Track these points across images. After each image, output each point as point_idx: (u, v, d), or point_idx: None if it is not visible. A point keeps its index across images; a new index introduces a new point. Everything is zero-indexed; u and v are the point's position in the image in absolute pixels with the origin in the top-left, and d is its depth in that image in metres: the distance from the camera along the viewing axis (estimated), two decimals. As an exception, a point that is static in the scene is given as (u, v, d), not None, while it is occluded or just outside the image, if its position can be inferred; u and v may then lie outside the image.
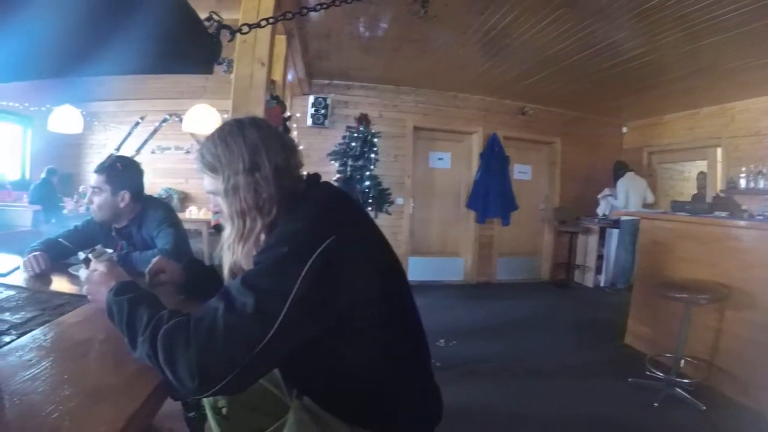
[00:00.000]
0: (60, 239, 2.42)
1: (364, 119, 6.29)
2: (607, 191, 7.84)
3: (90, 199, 2.40)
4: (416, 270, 7.35)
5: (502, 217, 7.86)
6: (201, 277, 1.81)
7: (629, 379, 3.65)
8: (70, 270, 2.11)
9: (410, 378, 1.27)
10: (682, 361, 3.51)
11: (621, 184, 7.45)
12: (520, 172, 8.46)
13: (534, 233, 8.67)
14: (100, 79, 7.54)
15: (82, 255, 1.87)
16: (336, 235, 1.07)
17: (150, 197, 2.62)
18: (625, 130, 9.18)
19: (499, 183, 7.75)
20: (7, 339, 1.28)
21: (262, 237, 1.23)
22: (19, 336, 1.31)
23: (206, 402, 1.64)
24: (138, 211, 2.46)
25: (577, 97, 7.47)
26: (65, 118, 7.00)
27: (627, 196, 7.30)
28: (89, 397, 0.98)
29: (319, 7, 2.41)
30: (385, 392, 1.21)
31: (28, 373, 1.06)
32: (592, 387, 3.65)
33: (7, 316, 1.49)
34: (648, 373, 3.58)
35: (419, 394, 1.28)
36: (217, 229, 5.13)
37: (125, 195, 2.37)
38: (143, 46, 1.91)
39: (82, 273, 1.66)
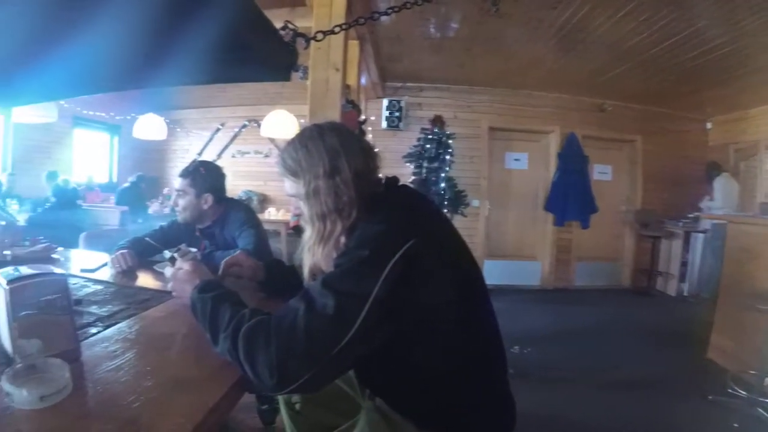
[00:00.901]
0: (147, 238, 2.56)
1: (438, 120, 6.20)
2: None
3: (175, 201, 2.54)
4: (492, 273, 7.08)
5: (582, 219, 7.57)
6: (281, 276, 1.85)
7: (709, 397, 3.40)
8: (156, 267, 2.24)
9: (485, 384, 1.24)
10: (767, 379, 3.25)
11: (717, 183, 6.95)
12: (599, 172, 8.06)
13: (614, 237, 8.20)
14: (182, 88, 7.97)
15: (167, 254, 1.99)
16: (416, 238, 1.07)
17: (232, 199, 2.74)
18: (709, 126, 8.39)
19: (578, 184, 7.49)
20: (93, 330, 1.37)
21: (342, 240, 1.24)
22: (106, 328, 1.40)
23: (280, 397, 1.69)
24: (220, 213, 2.57)
25: (658, 91, 7.04)
26: (149, 126, 7.50)
27: (724, 198, 6.83)
28: (170, 388, 1.03)
29: (390, 10, 2.42)
30: (458, 398, 1.19)
31: (112, 363, 1.13)
32: (669, 402, 3.45)
33: (94, 309, 1.58)
34: (730, 390, 3.35)
35: (493, 402, 1.25)
36: (296, 230, 5.23)
37: (208, 198, 2.49)
38: (224, 56, 2.00)
39: (168, 270, 1.76)
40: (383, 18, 2.49)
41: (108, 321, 1.47)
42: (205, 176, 2.52)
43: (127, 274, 2.19)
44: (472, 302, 1.23)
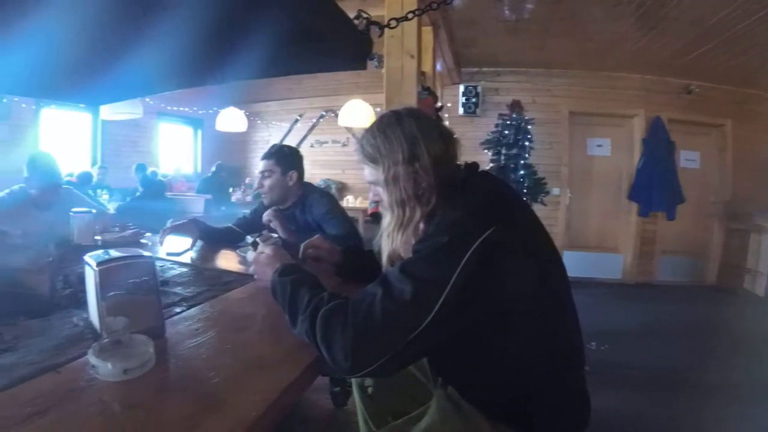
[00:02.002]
0: (232, 226, 2.75)
1: (516, 106, 6.02)
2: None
3: (260, 183, 2.64)
4: (571, 265, 6.43)
5: (667, 210, 7.11)
6: (358, 260, 1.87)
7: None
8: (239, 252, 2.32)
9: (561, 380, 1.19)
10: None
11: None
12: (686, 159, 7.42)
13: (701, 230, 7.53)
14: (260, 81, 8.21)
15: (250, 239, 2.08)
16: (497, 226, 1.04)
17: (309, 183, 2.82)
18: (807, 108, 7.46)
19: (663, 172, 7.02)
20: (178, 310, 1.44)
21: (421, 226, 1.23)
22: (189, 308, 1.46)
23: (353, 379, 1.72)
24: (300, 195, 2.67)
25: (749, 71, 6.38)
26: (230, 119, 7.86)
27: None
28: (248, 367, 1.06)
29: (463, -6, 2.39)
30: (533, 392, 1.15)
31: (194, 340, 1.18)
32: (751, 410, 3.20)
33: (179, 290, 1.66)
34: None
35: (568, 398, 1.21)
36: (374, 217, 5.24)
37: (293, 174, 2.61)
38: (300, 48, 2.04)
39: (250, 255, 1.86)
40: (456, 2, 2.46)
41: (192, 301, 1.54)
42: (289, 155, 2.65)
43: (210, 258, 2.31)
44: (553, 293, 1.19)
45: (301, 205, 2.65)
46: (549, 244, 1.23)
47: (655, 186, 7.02)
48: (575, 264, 6.83)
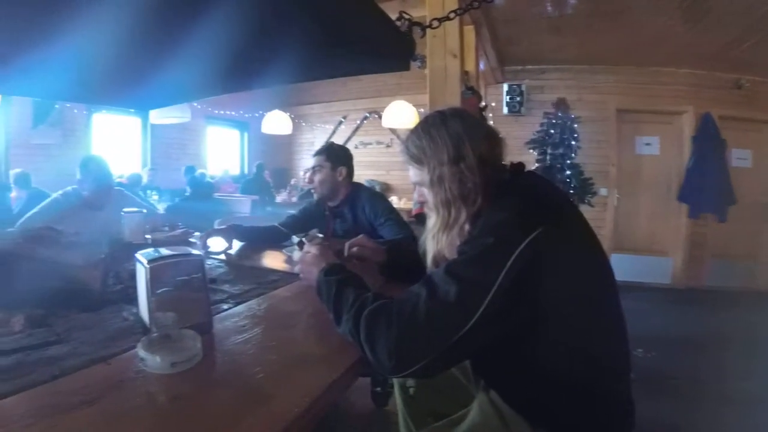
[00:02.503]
0: (278, 225, 2.79)
1: (562, 104, 5.90)
2: None
3: (310, 178, 2.72)
4: (619, 268, 6.15)
5: (718, 212, 6.76)
6: (402, 259, 1.86)
7: None
8: (285, 251, 2.38)
9: (607, 386, 1.16)
10: None
11: None
12: (738, 158, 6.96)
13: (753, 233, 7.01)
14: (304, 84, 8.37)
15: (295, 239, 2.16)
16: (543, 227, 1.02)
17: (360, 183, 2.87)
18: None
19: (714, 171, 6.65)
20: (225, 306, 1.48)
21: (467, 227, 1.22)
22: (236, 305, 1.50)
23: (395, 380, 1.71)
24: (349, 193, 2.71)
25: None
26: (276, 122, 8.02)
27: None
28: (292, 363, 1.08)
29: (504, -9, 2.37)
30: (577, 397, 1.12)
31: (240, 336, 1.21)
32: None
33: (226, 287, 1.71)
34: None
35: (613, 406, 1.17)
36: (418, 218, 5.21)
37: (342, 170, 2.67)
38: (344, 50, 2.07)
39: (296, 254, 1.98)
40: (497, 0, 2.43)
41: (238, 298, 1.57)
42: (338, 151, 2.73)
43: (257, 257, 2.35)
44: (601, 297, 1.16)
45: (351, 202, 2.69)
46: (596, 247, 1.20)
47: (705, 186, 6.68)
48: (623, 267, 6.44)
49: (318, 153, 2.73)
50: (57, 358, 1.04)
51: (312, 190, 2.77)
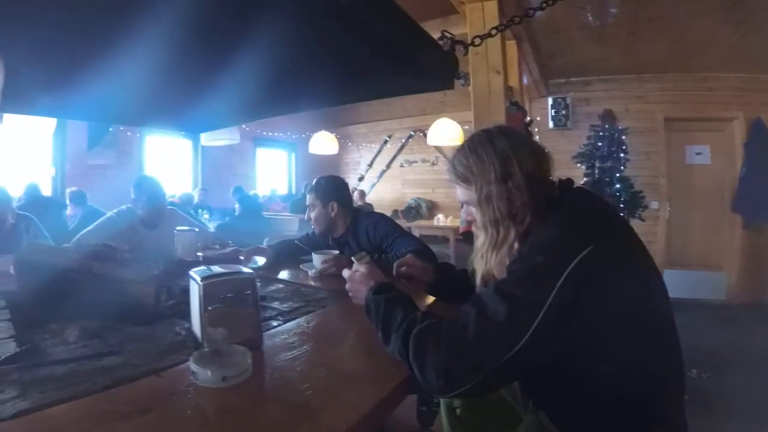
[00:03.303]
0: (296, 241, 2.86)
1: (608, 116, 5.79)
2: None
3: (308, 216, 2.72)
4: (671, 285, 5.78)
5: None
6: (451, 279, 1.84)
7: None
8: (302, 267, 2.42)
9: (660, 409, 1.11)
10: None
11: None
12: None
13: None
14: (350, 105, 8.43)
15: (315, 256, 2.27)
16: (594, 245, 1.00)
17: (359, 210, 2.84)
18: None
19: None
20: (275, 324, 1.51)
21: (516, 246, 1.20)
22: (285, 322, 1.53)
23: (442, 400, 1.68)
24: (350, 223, 2.68)
25: None
26: (322, 142, 8.21)
27: None
28: (341, 381, 1.09)
29: (544, 4, 2.34)
30: (630, 420, 1.08)
31: (289, 353, 1.22)
32: None
33: (276, 304, 1.74)
34: None
35: (666, 429, 1.11)
36: (465, 236, 5.15)
37: (334, 205, 2.62)
38: (389, 72, 2.10)
39: (312, 271, 2.21)
40: (537, 13, 2.42)
41: (288, 316, 1.60)
42: (326, 187, 2.67)
43: (306, 275, 2.37)
44: (653, 316, 1.12)
45: (353, 231, 2.66)
46: (649, 263, 1.17)
47: (760, 195, 6.33)
48: (676, 283, 6.07)
49: (309, 191, 2.74)
50: (110, 369, 1.09)
51: (312, 227, 2.76)
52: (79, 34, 1.53)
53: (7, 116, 5.34)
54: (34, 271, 1.55)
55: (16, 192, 4.78)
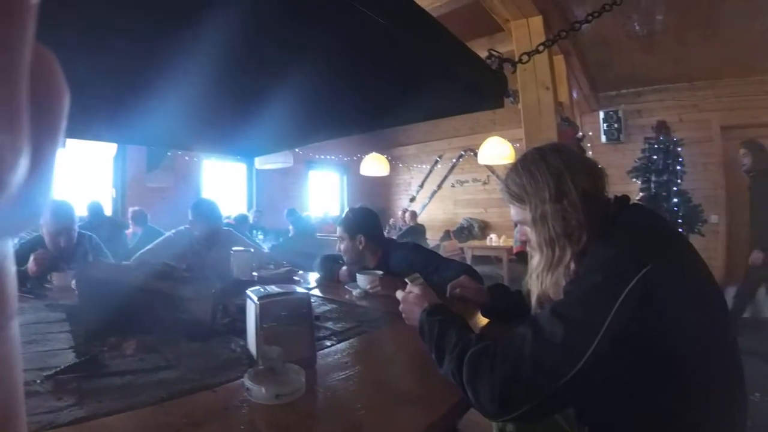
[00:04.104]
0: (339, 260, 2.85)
1: (662, 127, 5.60)
2: None
3: (338, 248, 2.73)
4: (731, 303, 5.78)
5: None
6: (505, 300, 1.83)
7: None
8: (347, 287, 2.42)
9: None
10: None
11: None
12: None
13: None
14: (400, 127, 8.51)
15: (360, 276, 2.30)
16: (653, 263, 0.97)
17: (391, 240, 2.85)
18: None
19: None
20: (328, 343, 1.52)
21: (572, 266, 1.18)
22: (339, 342, 1.54)
23: (494, 423, 1.63)
24: (380, 255, 2.67)
25: None
26: (373, 164, 8.33)
27: None
28: (393, 401, 1.09)
29: (590, 17, 2.32)
30: None
31: (342, 373, 1.23)
32: None
33: (330, 324, 1.75)
34: None
35: None
36: (519, 256, 5.08)
37: (361, 238, 2.62)
38: (441, 94, 2.12)
39: (357, 291, 2.23)
40: (584, 26, 2.40)
41: (342, 336, 1.61)
42: (353, 220, 2.69)
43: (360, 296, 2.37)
44: (717, 337, 1.08)
45: (385, 264, 2.62)
46: (709, 281, 1.13)
47: None
48: None
49: (338, 223, 2.75)
50: (166, 382, 1.12)
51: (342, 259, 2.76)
52: (138, 63, 1.61)
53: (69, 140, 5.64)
54: (95, 286, 1.62)
55: (80, 211, 5.05)
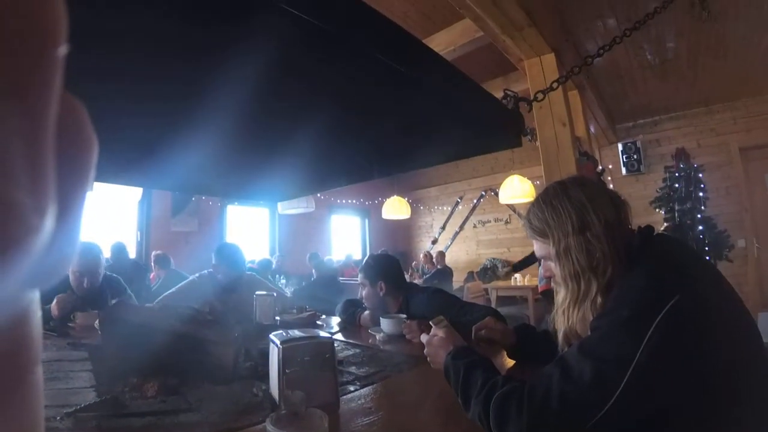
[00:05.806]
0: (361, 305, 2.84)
1: (681, 154, 5.58)
2: None
3: (360, 294, 2.72)
4: (766, 329, 5.40)
5: None
6: (531, 341, 1.78)
7: None
8: (370, 330, 2.42)
9: None
10: None
11: None
12: None
13: None
14: (420, 170, 8.61)
15: (383, 320, 2.30)
16: (681, 294, 0.95)
17: (412, 285, 2.82)
18: None
19: None
20: (351, 388, 1.50)
21: (599, 300, 1.15)
22: (362, 387, 1.52)
23: None
24: (401, 301, 2.63)
25: None
26: (395, 207, 8.43)
27: None
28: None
29: (602, 51, 2.33)
30: None
31: (367, 418, 1.21)
32: None
33: (353, 369, 1.74)
34: None
35: None
36: (545, 295, 4.98)
37: (382, 285, 2.60)
38: (459, 136, 2.14)
39: (380, 335, 2.26)
40: (596, 60, 2.42)
41: (365, 381, 1.59)
42: (373, 266, 2.67)
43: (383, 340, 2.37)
44: (751, 369, 1.04)
45: (407, 309, 2.59)
46: (740, 308, 1.10)
47: None
48: None
49: (359, 270, 2.74)
50: (188, 425, 1.12)
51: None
52: (165, 110, 1.66)
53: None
54: (119, 327, 1.64)
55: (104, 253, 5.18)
